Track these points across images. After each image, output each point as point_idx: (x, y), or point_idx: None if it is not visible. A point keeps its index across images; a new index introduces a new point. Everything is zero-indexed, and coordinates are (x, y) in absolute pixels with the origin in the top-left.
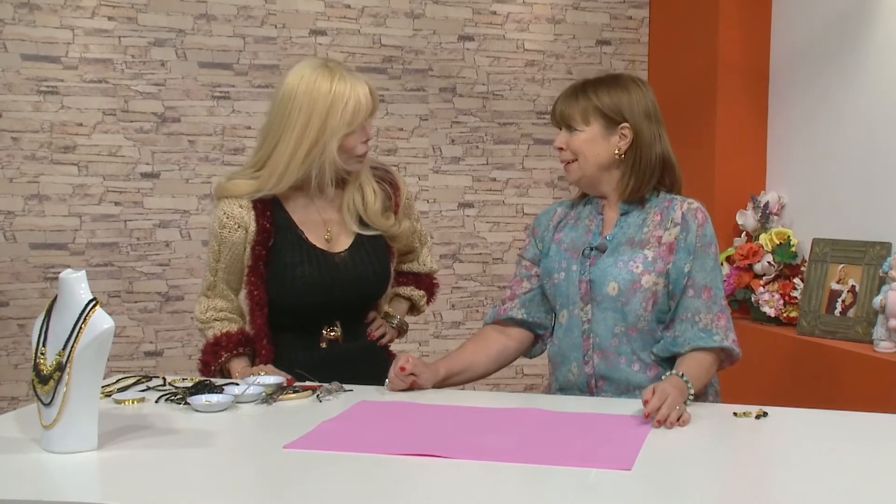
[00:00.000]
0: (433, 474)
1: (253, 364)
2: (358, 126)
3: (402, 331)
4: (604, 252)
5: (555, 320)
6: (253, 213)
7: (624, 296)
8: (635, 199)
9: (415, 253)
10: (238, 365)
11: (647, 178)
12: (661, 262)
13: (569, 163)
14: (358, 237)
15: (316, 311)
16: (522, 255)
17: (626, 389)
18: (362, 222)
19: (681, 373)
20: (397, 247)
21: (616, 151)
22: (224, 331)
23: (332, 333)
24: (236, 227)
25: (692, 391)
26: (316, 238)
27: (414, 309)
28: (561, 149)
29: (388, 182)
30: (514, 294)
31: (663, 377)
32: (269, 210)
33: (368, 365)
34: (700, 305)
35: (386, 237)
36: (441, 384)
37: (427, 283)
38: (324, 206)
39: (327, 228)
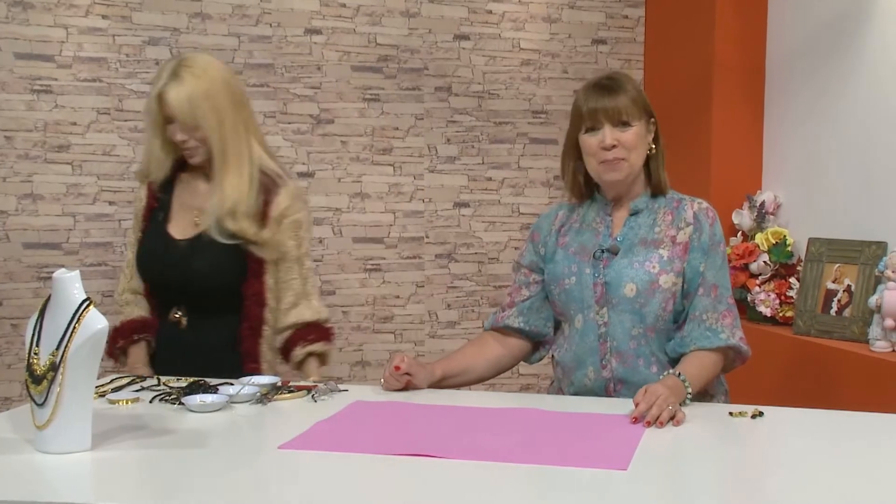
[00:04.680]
0: (429, 475)
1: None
2: (160, 122)
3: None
4: (616, 254)
5: (570, 326)
6: (145, 191)
7: (642, 297)
8: (659, 193)
9: (297, 294)
10: (134, 353)
11: (664, 170)
12: (677, 261)
13: (620, 160)
14: (210, 229)
15: (156, 289)
16: (520, 261)
17: None
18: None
19: (678, 372)
20: (267, 257)
21: (651, 147)
22: (130, 318)
23: (175, 316)
24: (138, 202)
25: (690, 391)
26: (181, 220)
27: (324, 358)
28: (614, 146)
29: (267, 189)
30: (512, 301)
31: (661, 377)
32: (160, 191)
33: (209, 360)
34: (708, 304)
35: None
36: (438, 385)
37: (325, 332)
38: (205, 193)
39: (196, 215)
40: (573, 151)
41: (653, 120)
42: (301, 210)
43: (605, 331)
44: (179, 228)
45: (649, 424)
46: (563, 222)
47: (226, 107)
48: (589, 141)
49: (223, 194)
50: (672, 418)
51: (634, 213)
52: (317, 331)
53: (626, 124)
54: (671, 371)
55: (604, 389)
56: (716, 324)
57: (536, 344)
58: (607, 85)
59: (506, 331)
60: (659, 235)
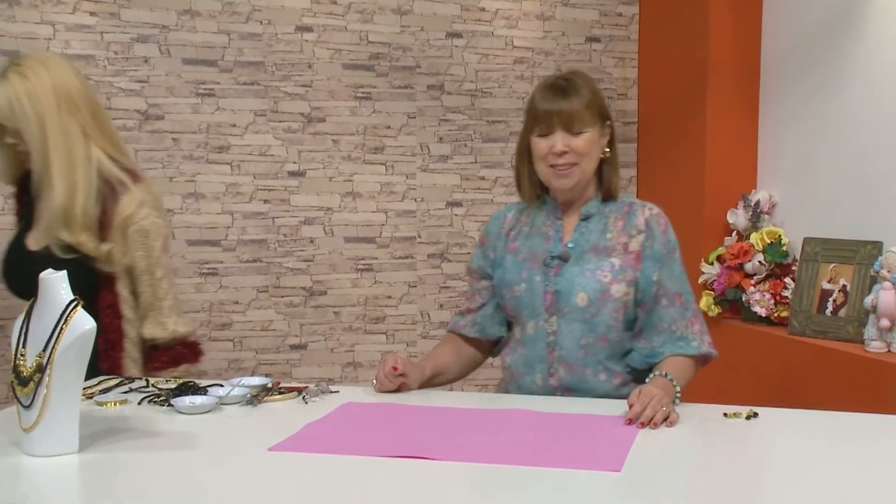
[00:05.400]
0: (420, 476)
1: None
2: None
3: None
4: (567, 261)
5: (521, 330)
6: (14, 197)
7: (594, 306)
8: (610, 198)
9: (146, 307)
10: None
11: (617, 175)
12: (630, 270)
13: (572, 166)
14: (54, 240)
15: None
16: (470, 265)
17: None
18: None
19: (664, 372)
20: (113, 270)
21: (605, 151)
22: None
23: None
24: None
25: (678, 390)
26: (38, 229)
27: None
28: (565, 152)
29: (105, 198)
30: (469, 309)
31: (648, 379)
32: (25, 196)
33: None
34: (675, 314)
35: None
36: (426, 384)
37: (180, 353)
38: None
39: None
40: (525, 153)
41: (608, 123)
42: (148, 217)
43: (553, 339)
44: (35, 238)
45: (643, 426)
46: (511, 225)
47: (50, 110)
48: (540, 144)
49: (51, 203)
50: (666, 419)
51: (585, 219)
52: (167, 354)
53: (577, 130)
54: (658, 372)
55: (551, 396)
56: (686, 331)
57: (496, 341)
58: (562, 87)
59: (465, 337)
60: (611, 242)
